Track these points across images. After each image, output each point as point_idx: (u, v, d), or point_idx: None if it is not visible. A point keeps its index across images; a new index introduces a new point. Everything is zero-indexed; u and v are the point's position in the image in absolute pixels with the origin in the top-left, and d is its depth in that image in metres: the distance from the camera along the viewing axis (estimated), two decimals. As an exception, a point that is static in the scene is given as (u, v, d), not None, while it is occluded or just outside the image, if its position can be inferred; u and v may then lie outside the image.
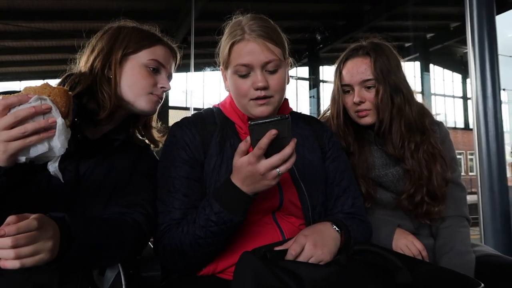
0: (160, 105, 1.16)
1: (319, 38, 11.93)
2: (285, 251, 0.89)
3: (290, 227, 1.05)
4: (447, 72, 21.02)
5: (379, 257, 0.78)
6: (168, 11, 9.95)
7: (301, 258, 0.87)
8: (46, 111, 0.73)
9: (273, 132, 0.80)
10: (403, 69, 1.33)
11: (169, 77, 1.16)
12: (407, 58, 16.13)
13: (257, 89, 1.02)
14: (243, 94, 1.04)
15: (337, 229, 0.98)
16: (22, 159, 0.74)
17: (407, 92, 1.30)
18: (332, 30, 12.28)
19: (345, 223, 1.00)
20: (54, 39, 10.14)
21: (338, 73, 1.34)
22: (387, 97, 1.26)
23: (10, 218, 0.66)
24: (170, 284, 1.03)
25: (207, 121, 1.12)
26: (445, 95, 21.33)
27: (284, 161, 0.83)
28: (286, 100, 1.19)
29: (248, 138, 0.84)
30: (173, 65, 1.18)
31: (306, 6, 10.86)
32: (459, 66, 19.69)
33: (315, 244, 0.89)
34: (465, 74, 20.76)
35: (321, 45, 12.93)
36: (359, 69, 1.29)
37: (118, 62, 1.05)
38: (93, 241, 0.82)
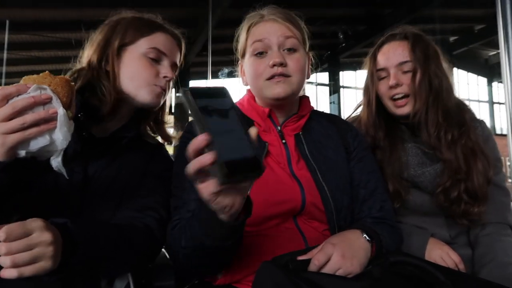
0: (165, 97, 1.09)
1: (341, 36, 11.73)
2: (309, 261, 0.80)
3: (313, 233, 0.97)
4: (472, 76, 20.48)
5: (417, 269, 0.69)
6: (187, 19, 10.04)
7: (327, 270, 0.78)
8: (46, 101, 0.68)
9: None
10: (441, 60, 1.23)
11: (174, 66, 1.09)
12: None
13: (273, 66, 0.97)
14: (258, 74, 0.99)
15: (367, 238, 0.89)
16: (22, 153, 0.69)
17: (447, 81, 1.20)
18: (352, 35, 12.13)
19: (376, 231, 0.91)
20: (78, 49, 10.38)
21: (373, 59, 1.27)
22: (425, 83, 1.16)
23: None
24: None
25: None
26: (470, 99, 20.76)
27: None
28: (307, 97, 1.13)
29: None
30: (178, 53, 1.11)
31: (325, 11, 10.77)
32: (484, 69, 19.16)
33: (343, 254, 0.81)
34: (490, 78, 20.17)
35: (341, 50, 12.78)
36: (396, 51, 1.22)
37: (115, 54, 1.00)
38: (99, 249, 0.76)
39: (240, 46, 1.07)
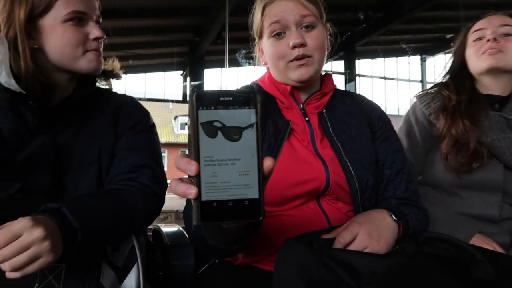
0: (102, 59, 0.98)
1: (362, 17, 11.47)
2: (333, 240, 0.77)
3: (337, 214, 0.93)
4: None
5: (453, 247, 0.65)
6: (201, 7, 9.98)
7: (352, 248, 0.75)
8: None
9: None
10: None
11: (98, 21, 0.97)
12: (448, 50, 15.42)
13: (294, 47, 0.94)
14: (280, 57, 0.96)
15: (394, 218, 0.85)
16: None
17: None
18: (368, 22, 11.88)
19: (403, 212, 0.87)
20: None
21: (470, 25, 1.31)
22: None
23: None
24: (204, 275, 0.95)
25: None
26: None
27: None
28: (330, 75, 1.09)
29: None
30: (96, 3, 0.98)
31: (342, -2, 10.58)
32: None
33: (370, 234, 0.78)
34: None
35: (357, 38, 12.55)
36: (498, 18, 1.25)
37: (23, 30, 0.87)
38: (99, 227, 0.75)
39: (255, 26, 1.03)
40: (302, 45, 0.94)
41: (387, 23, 11.46)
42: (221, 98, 0.46)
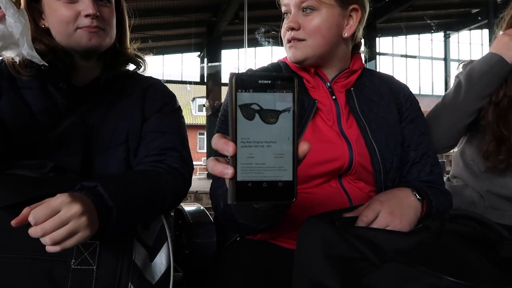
0: (103, 35, 0.94)
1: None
2: (355, 218, 0.77)
3: (358, 193, 0.93)
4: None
5: (480, 225, 0.64)
6: (219, -14, 9.89)
7: (374, 226, 0.75)
8: None
9: None
10: None
11: None
12: (473, 26, 14.85)
13: (287, 30, 0.95)
14: (283, 36, 0.99)
15: (418, 197, 0.84)
16: None
17: None
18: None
19: (427, 191, 0.86)
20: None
21: None
22: None
23: (25, 210, 0.63)
24: (224, 251, 0.96)
25: None
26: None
27: None
28: (359, 54, 1.06)
29: None
30: None
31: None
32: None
33: (392, 212, 0.77)
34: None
35: (378, 15, 12.19)
36: None
37: (26, 9, 0.87)
38: (132, 203, 0.77)
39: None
40: (293, 29, 0.94)
41: (409, -1, 11.11)
42: (259, 81, 0.46)
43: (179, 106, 1.08)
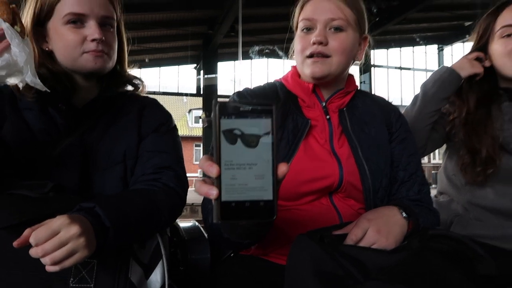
0: (107, 59, 0.98)
1: (375, 10, 11.37)
2: (344, 236, 0.81)
3: (348, 210, 0.96)
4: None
5: (457, 243, 0.68)
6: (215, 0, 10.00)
7: (362, 244, 0.79)
8: None
9: None
10: None
11: (105, 19, 0.97)
12: (467, 38, 15.02)
13: (314, 44, 0.97)
14: (302, 50, 1.00)
15: (404, 215, 0.88)
16: None
17: None
18: (384, 12, 11.70)
19: (413, 210, 0.89)
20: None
21: (496, 10, 1.24)
22: None
23: (26, 232, 0.66)
24: (218, 267, 0.99)
25: (269, 94, 1.07)
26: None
27: None
28: (352, 76, 1.11)
29: None
30: (104, 4, 0.97)
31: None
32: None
33: (379, 230, 0.81)
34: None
35: (372, 27, 12.36)
36: None
37: (31, 33, 0.93)
38: (129, 222, 0.80)
39: (294, 21, 1.07)
40: (322, 43, 0.97)
41: (403, 11, 11.28)
42: (241, 109, 0.50)
43: (175, 125, 1.12)
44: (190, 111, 25.68)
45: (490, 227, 1.16)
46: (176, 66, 14.81)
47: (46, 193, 0.83)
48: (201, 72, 13.12)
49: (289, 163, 0.92)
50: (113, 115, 1.02)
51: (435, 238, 0.68)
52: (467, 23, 13.71)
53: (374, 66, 15.08)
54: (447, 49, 16.40)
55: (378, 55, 15.60)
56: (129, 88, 1.10)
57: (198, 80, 13.77)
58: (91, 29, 0.93)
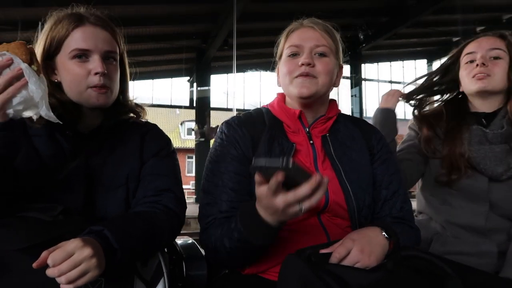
0: (109, 95, 1.04)
1: (361, 37, 11.73)
2: (330, 254, 0.88)
3: (335, 229, 1.04)
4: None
5: (428, 263, 0.76)
6: (208, 14, 10.14)
7: (346, 262, 0.86)
8: (9, 63, 0.80)
9: (279, 178, 0.75)
10: None
11: (108, 54, 1.03)
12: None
13: (302, 65, 1.06)
14: (289, 72, 1.09)
15: (386, 236, 0.95)
16: (10, 112, 0.82)
17: None
18: (375, 27, 11.96)
19: (394, 230, 0.97)
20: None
21: (463, 45, 1.38)
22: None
23: (44, 254, 0.73)
24: (214, 284, 1.05)
25: (256, 120, 1.15)
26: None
27: (306, 197, 0.77)
28: (334, 101, 1.19)
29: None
30: (107, 39, 1.04)
31: (348, 3, 10.67)
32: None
33: (362, 249, 0.88)
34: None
35: (364, 40, 12.60)
36: (489, 41, 1.32)
37: (41, 66, 0.99)
38: (134, 245, 0.88)
39: (278, 49, 1.17)
40: (310, 64, 1.06)
41: (392, 27, 11.54)
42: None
43: (174, 149, 1.19)
44: (182, 123, 25.71)
45: (467, 244, 1.24)
46: (170, 79, 14.90)
47: (56, 216, 0.90)
48: (194, 84, 13.22)
49: None
50: (116, 141, 1.09)
51: (408, 258, 0.76)
52: (455, 39, 14.03)
53: (365, 79, 15.30)
54: (436, 64, 16.73)
55: (368, 69, 15.84)
56: (132, 114, 1.17)
57: (191, 92, 13.87)
58: (95, 63, 1.00)
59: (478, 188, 1.26)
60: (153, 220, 0.96)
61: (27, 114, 0.84)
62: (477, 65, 1.28)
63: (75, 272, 0.72)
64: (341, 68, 1.17)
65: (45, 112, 0.83)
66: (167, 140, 1.18)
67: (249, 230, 0.88)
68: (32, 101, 0.82)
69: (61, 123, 0.88)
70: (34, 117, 0.85)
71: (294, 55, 1.10)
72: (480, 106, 1.35)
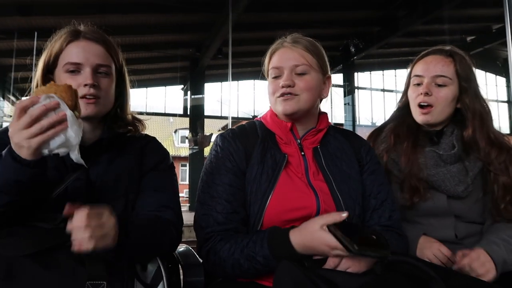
0: (98, 104, 1.07)
1: (353, 50, 11.93)
2: (322, 260, 0.92)
3: None
4: (490, 76, 20.20)
5: (413, 267, 0.80)
6: (203, 23, 10.23)
7: (338, 268, 0.90)
8: (56, 107, 0.83)
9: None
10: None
11: (99, 67, 1.07)
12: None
13: (282, 87, 1.12)
14: (273, 93, 1.16)
15: None
16: (45, 151, 0.84)
17: (487, 107, 1.36)
18: (367, 37, 12.13)
19: (385, 237, 1.02)
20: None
21: (413, 66, 1.39)
22: (470, 102, 1.31)
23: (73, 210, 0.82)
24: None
25: (250, 133, 1.20)
26: (488, 99, 20.36)
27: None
28: (325, 114, 1.25)
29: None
30: (99, 53, 1.07)
31: (340, 13, 10.82)
32: (503, 69, 18.86)
33: (353, 256, 0.90)
34: (509, 77, 19.82)
35: (355, 53, 12.77)
36: (437, 64, 1.32)
37: (40, 79, 1.05)
38: (142, 236, 0.95)
39: (264, 69, 1.23)
40: (290, 86, 1.12)
41: (384, 37, 11.71)
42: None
43: (172, 162, 1.23)
44: (176, 131, 25.70)
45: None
46: (163, 87, 14.94)
47: (58, 224, 0.93)
48: (188, 92, 13.27)
49: (270, 195, 1.07)
50: (116, 153, 1.13)
51: (395, 263, 0.80)
52: (446, 48, 14.21)
53: (358, 88, 15.46)
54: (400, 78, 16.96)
55: (361, 78, 16.01)
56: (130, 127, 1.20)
57: (185, 100, 13.90)
58: (85, 76, 1.04)
59: (440, 206, 1.30)
60: (157, 225, 1.02)
61: (57, 151, 0.87)
62: (421, 93, 1.31)
63: (99, 231, 0.79)
64: (328, 78, 1.21)
65: (76, 156, 0.88)
66: (166, 154, 1.21)
67: (279, 258, 0.92)
68: (66, 143, 0.86)
69: (86, 167, 0.95)
70: (63, 154, 0.88)
71: (276, 77, 1.16)
72: (427, 128, 1.38)
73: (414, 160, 1.31)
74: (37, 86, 1.07)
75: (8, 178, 0.83)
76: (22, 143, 0.81)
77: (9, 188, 0.83)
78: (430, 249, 1.22)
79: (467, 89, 1.32)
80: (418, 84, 1.34)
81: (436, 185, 1.30)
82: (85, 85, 1.03)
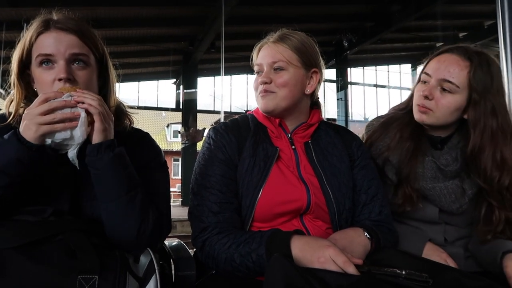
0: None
1: (346, 44, 11.93)
2: None
3: (317, 230, 1.09)
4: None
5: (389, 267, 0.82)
6: (195, 17, 10.17)
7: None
8: (74, 106, 0.90)
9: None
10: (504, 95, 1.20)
11: (75, 56, 1.00)
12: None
13: (260, 84, 1.14)
14: (255, 89, 1.19)
15: (368, 236, 1.01)
16: (48, 141, 0.90)
17: (506, 123, 1.18)
18: (360, 32, 12.15)
19: (376, 231, 1.03)
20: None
21: (428, 61, 1.26)
22: (477, 116, 1.17)
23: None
24: (203, 284, 1.09)
25: (242, 126, 1.20)
26: None
27: None
28: (316, 109, 1.24)
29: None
30: (74, 43, 1.00)
31: (334, 8, 10.83)
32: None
33: (344, 249, 0.92)
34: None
35: (348, 47, 12.79)
36: (447, 67, 1.17)
37: (16, 75, 1.02)
38: (127, 177, 0.97)
39: (252, 64, 1.23)
40: (266, 83, 1.13)
41: (377, 32, 11.75)
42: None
43: (165, 160, 1.19)
44: (168, 125, 25.60)
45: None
46: (156, 81, 14.86)
47: (47, 218, 0.92)
48: (181, 87, 13.21)
49: (262, 187, 1.07)
50: None
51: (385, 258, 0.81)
52: (438, 44, 14.33)
53: (351, 83, 15.52)
54: (420, 68, 17.06)
55: (354, 73, 16.07)
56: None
57: (178, 94, 13.84)
58: (58, 69, 0.98)
59: (431, 217, 1.27)
60: (147, 202, 1.00)
61: (59, 142, 0.91)
62: (423, 95, 1.20)
63: (105, 112, 0.92)
64: (315, 73, 1.18)
65: (72, 155, 0.92)
66: (159, 150, 1.18)
67: (268, 256, 0.91)
68: (69, 140, 0.91)
69: (78, 168, 0.94)
70: (61, 152, 0.93)
71: (258, 73, 1.18)
72: (432, 132, 1.28)
73: (412, 168, 1.23)
74: (14, 83, 1.03)
75: (10, 158, 0.86)
76: (32, 126, 0.87)
77: (10, 168, 0.86)
78: (437, 259, 1.14)
79: (478, 102, 1.16)
80: (424, 82, 1.23)
81: (430, 198, 1.25)
82: (60, 79, 0.97)
